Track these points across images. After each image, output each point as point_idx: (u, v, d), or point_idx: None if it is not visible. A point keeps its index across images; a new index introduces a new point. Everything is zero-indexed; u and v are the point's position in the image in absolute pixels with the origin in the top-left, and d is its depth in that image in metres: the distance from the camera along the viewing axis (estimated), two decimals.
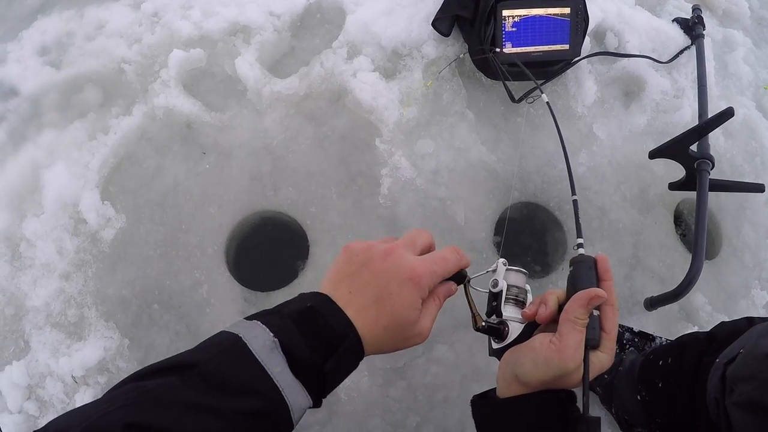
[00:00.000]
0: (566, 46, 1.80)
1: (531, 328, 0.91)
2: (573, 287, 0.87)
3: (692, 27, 2.11)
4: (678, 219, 1.96)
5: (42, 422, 1.52)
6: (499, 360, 0.92)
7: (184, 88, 1.79)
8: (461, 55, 1.83)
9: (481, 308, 0.94)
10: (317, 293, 0.80)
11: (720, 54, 2.28)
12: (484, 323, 0.91)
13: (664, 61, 2.05)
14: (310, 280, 1.67)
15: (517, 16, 1.74)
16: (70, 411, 0.66)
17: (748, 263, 1.93)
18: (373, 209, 1.71)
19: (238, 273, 1.70)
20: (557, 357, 0.80)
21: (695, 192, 1.66)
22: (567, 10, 1.77)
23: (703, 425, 1.07)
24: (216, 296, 1.63)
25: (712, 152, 1.71)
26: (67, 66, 1.86)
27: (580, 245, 0.95)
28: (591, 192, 1.83)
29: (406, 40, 1.84)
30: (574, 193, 1.08)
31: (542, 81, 1.85)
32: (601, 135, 1.89)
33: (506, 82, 1.74)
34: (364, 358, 0.82)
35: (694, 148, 1.68)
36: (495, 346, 0.94)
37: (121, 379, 0.69)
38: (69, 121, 1.78)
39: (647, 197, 1.88)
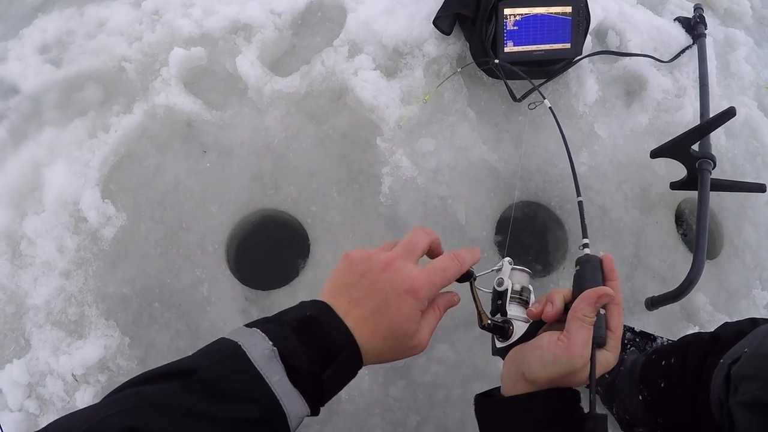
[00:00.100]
0: (568, 45, 1.80)
1: (535, 327, 0.91)
2: (579, 286, 0.88)
3: (694, 26, 2.11)
4: (679, 219, 1.96)
5: (42, 421, 1.52)
6: (503, 359, 0.92)
7: (184, 86, 1.79)
8: (459, 70, 1.83)
9: (486, 306, 0.94)
10: (317, 301, 0.80)
11: (722, 53, 2.28)
12: (489, 321, 0.91)
13: (665, 60, 2.04)
14: (310, 279, 1.67)
15: (519, 14, 1.74)
16: (69, 414, 0.66)
17: (749, 263, 1.93)
18: (374, 208, 1.71)
19: (239, 271, 1.70)
20: (566, 354, 0.80)
21: (696, 191, 1.66)
22: (568, 9, 1.77)
23: (706, 426, 1.07)
24: (216, 295, 1.62)
25: (713, 152, 1.71)
26: (67, 64, 1.86)
27: (585, 245, 0.95)
28: (592, 191, 1.82)
29: (407, 38, 1.84)
30: (579, 194, 1.08)
31: (542, 81, 1.85)
32: (603, 134, 1.89)
33: (507, 81, 1.74)
34: None
35: (695, 147, 1.68)
36: (498, 345, 0.94)
37: (121, 377, 0.69)
38: (69, 119, 1.78)
39: (648, 197, 1.88)
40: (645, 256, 1.81)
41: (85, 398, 1.50)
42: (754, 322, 1.12)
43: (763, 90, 2.28)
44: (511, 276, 0.95)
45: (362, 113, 1.77)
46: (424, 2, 1.88)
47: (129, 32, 1.88)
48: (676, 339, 1.42)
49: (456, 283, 0.96)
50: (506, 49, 1.75)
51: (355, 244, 1.67)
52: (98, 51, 1.86)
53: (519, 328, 0.91)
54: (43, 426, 0.64)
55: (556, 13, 1.77)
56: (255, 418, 0.68)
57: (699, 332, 1.51)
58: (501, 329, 0.91)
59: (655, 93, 1.99)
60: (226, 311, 1.61)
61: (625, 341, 1.60)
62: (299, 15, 1.91)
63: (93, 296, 1.59)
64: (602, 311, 0.85)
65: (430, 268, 0.83)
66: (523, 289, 0.95)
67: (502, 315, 0.93)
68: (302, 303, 0.80)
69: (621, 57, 2.00)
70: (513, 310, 0.93)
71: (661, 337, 1.60)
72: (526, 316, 0.92)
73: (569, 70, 1.90)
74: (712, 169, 1.68)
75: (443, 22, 1.82)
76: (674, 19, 2.17)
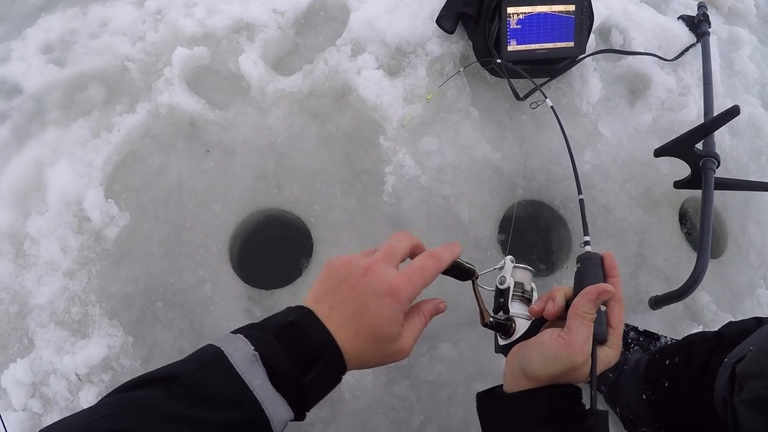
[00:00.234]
0: (571, 44, 1.80)
1: (537, 324, 0.91)
2: (580, 283, 0.88)
3: (698, 24, 2.10)
4: (683, 217, 1.95)
5: (46, 420, 1.52)
6: (505, 356, 0.92)
7: (187, 85, 1.79)
8: (462, 69, 1.83)
9: (488, 305, 0.95)
10: (300, 307, 0.81)
11: (725, 52, 2.27)
12: (491, 319, 0.91)
13: (669, 58, 2.04)
14: (313, 279, 1.66)
15: (522, 13, 1.74)
16: (56, 422, 0.67)
17: (754, 262, 1.92)
18: (378, 207, 1.71)
19: (242, 271, 1.70)
20: (566, 351, 0.80)
21: (700, 190, 1.66)
22: (572, 8, 1.77)
23: (710, 425, 1.06)
24: (220, 294, 1.62)
25: (717, 150, 1.70)
26: (70, 64, 1.86)
27: (587, 243, 0.95)
28: (596, 190, 1.82)
29: (410, 37, 1.84)
30: (580, 192, 1.08)
31: (545, 80, 1.85)
32: (606, 133, 1.89)
33: (511, 80, 1.74)
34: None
35: (699, 146, 1.67)
36: (501, 342, 0.94)
37: (124, 376, 0.70)
38: (73, 119, 1.78)
39: (652, 195, 1.87)
40: (649, 255, 1.81)
41: (88, 398, 1.50)
42: (759, 321, 1.12)
43: None
44: (513, 274, 0.95)
45: (365, 112, 1.77)
46: (427, 1, 1.88)
47: (132, 32, 1.89)
48: (680, 338, 1.41)
49: (458, 283, 0.97)
50: (509, 48, 1.75)
51: (358, 244, 1.67)
52: (101, 51, 1.86)
53: (521, 326, 0.92)
54: None
55: (559, 12, 1.76)
56: (237, 422, 0.69)
57: (703, 331, 1.50)
58: (503, 327, 0.92)
59: (659, 91, 1.99)
60: (230, 310, 1.61)
61: (629, 340, 1.59)
62: (302, 14, 1.91)
63: (96, 296, 1.59)
64: (603, 308, 0.85)
65: (408, 269, 0.83)
66: (525, 286, 0.95)
67: (504, 313, 0.94)
68: (286, 309, 0.81)
69: (624, 55, 2.00)
70: (515, 308, 0.93)
71: (665, 337, 1.60)
72: (528, 314, 0.92)
73: (573, 68, 1.90)
74: (716, 167, 1.67)
75: (446, 20, 1.82)
76: (678, 18, 2.17)
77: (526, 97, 1.78)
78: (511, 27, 1.74)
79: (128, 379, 0.72)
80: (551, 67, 1.85)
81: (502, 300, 0.94)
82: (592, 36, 1.89)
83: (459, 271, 0.94)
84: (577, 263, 0.92)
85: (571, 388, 0.85)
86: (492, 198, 1.77)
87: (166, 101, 1.74)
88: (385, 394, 1.59)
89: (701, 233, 1.58)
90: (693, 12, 2.19)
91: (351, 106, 1.79)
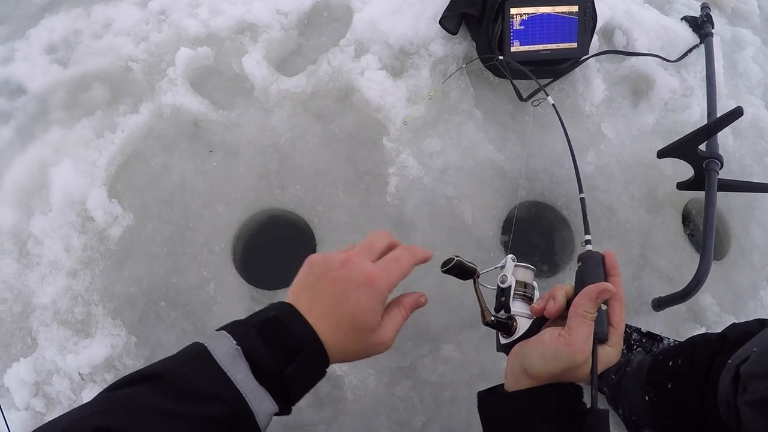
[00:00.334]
0: (574, 45, 1.80)
1: (539, 323, 0.91)
2: (581, 282, 0.88)
3: (701, 25, 2.10)
4: (686, 219, 1.95)
5: (48, 419, 1.52)
6: (507, 355, 0.92)
7: (191, 86, 1.79)
8: (464, 65, 1.83)
9: (490, 304, 0.95)
10: (282, 303, 0.82)
11: (729, 53, 2.27)
12: (493, 318, 0.92)
13: (672, 59, 2.04)
14: None
15: (525, 14, 1.74)
16: (46, 422, 0.69)
17: (757, 264, 1.92)
18: (381, 208, 1.71)
19: (245, 271, 1.70)
20: (566, 350, 0.80)
21: (704, 192, 1.66)
22: (575, 8, 1.76)
23: (713, 426, 1.06)
24: (223, 294, 1.63)
25: (720, 152, 1.70)
26: (74, 64, 1.87)
27: (588, 241, 0.95)
28: (599, 191, 1.82)
29: (413, 38, 1.84)
30: (581, 190, 1.08)
31: (548, 80, 1.85)
32: (609, 134, 1.88)
33: (514, 80, 1.74)
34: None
35: (702, 147, 1.67)
36: (503, 341, 0.94)
37: None
38: (76, 119, 1.78)
39: (655, 197, 1.87)
40: (652, 256, 1.81)
41: (91, 397, 1.50)
42: (762, 323, 1.12)
43: None
44: (515, 273, 0.96)
45: (369, 113, 1.77)
46: (430, 2, 1.88)
47: (136, 32, 1.89)
48: (682, 340, 1.41)
49: (461, 284, 0.97)
50: (513, 49, 1.75)
51: None
52: (105, 51, 1.86)
53: (522, 325, 0.92)
54: None
55: (562, 13, 1.76)
56: (222, 416, 0.70)
57: (706, 333, 1.51)
58: (504, 326, 0.92)
59: (662, 92, 1.99)
60: (233, 311, 1.61)
61: (632, 342, 1.59)
62: (305, 15, 1.91)
63: (100, 295, 1.59)
64: (604, 307, 0.85)
65: (384, 260, 0.85)
66: (527, 285, 0.95)
67: (505, 311, 0.94)
68: (269, 305, 0.82)
69: (628, 56, 2.00)
70: (516, 307, 0.93)
71: (668, 338, 1.60)
72: (529, 313, 0.93)
73: (576, 69, 1.90)
74: (720, 169, 1.67)
75: (449, 21, 1.82)
76: (681, 19, 2.16)
77: (529, 98, 1.78)
78: (514, 28, 1.74)
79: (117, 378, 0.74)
80: (554, 68, 1.85)
81: (503, 299, 0.95)
82: (595, 37, 1.88)
83: (460, 270, 0.94)
84: (578, 262, 0.92)
85: (572, 386, 0.85)
86: (495, 199, 1.77)
87: (170, 101, 1.75)
88: (387, 395, 1.59)
89: (704, 235, 1.58)
90: (696, 13, 2.19)
91: (354, 107, 1.79)
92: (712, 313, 1.78)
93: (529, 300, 0.95)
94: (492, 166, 1.78)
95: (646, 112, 1.96)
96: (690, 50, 2.06)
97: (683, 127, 1.94)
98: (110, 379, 1.52)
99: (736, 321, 1.37)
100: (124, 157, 1.71)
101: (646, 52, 1.99)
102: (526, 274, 0.96)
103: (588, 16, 1.78)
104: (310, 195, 1.72)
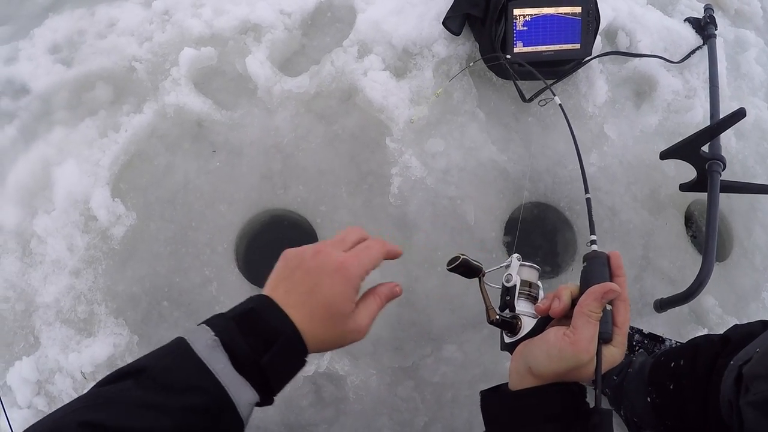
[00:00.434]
0: (577, 46, 1.80)
1: (543, 322, 0.91)
2: (586, 282, 0.88)
3: (704, 27, 2.10)
4: (689, 220, 1.95)
5: None
6: (511, 354, 0.92)
7: (194, 86, 1.80)
8: (471, 64, 1.83)
9: (495, 303, 0.95)
10: (259, 295, 0.84)
11: (732, 54, 2.27)
12: (497, 317, 0.92)
13: (675, 61, 2.04)
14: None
15: (528, 15, 1.74)
16: (32, 424, 0.70)
17: (759, 265, 1.92)
18: (383, 208, 1.71)
19: (248, 271, 1.70)
20: (571, 349, 0.81)
21: (706, 193, 1.66)
22: (578, 9, 1.76)
23: (715, 428, 1.06)
24: (225, 294, 1.63)
25: (723, 153, 1.70)
26: (78, 64, 1.87)
27: (593, 242, 0.96)
28: (602, 192, 1.82)
29: (416, 38, 1.84)
30: (587, 191, 1.08)
31: (553, 81, 1.85)
32: (612, 135, 1.88)
33: (517, 81, 1.74)
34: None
35: (705, 149, 1.67)
36: (507, 340, 0.94)
37: None
38: (80, 118, 1.79)
39: (658, 198, 1.87)
40: (654, 257, 1.81)
41: None
42: (765, 324, 1.12)
43: None
44: (520, 272, 0.96)
45: (372, 113, 1.77)
46: (433, 2, 1.88)
47: (139, 32, 1.89)
48: (685, 341, 1.41)
49: (466, 280, 0.97)
50: (516, 50, 1.75)
51: None
52: (109, 51, 1.87)
53: (527, 324, 0.92)
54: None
55: (565, 14, 1.76)
56: (203, 406, 0.71)
57: (709, 334, 1.50)
58: (509, 325, 0.92)
59: (665, 94, 1.99)
60: None
61: (634, 343, 1.59)
62: (309, 15, 1.91)
63: (102, 294, 1.60)
64: (609, 307, 0.85)
65: (354, 249, 0.87)
66: (532, 285, 0.96)
67: (510, 310, 0.94)
68: (248, 298, 0.84)
69: (631, 58, 2.00)
70: (521, 306, 0.93)
71: (670, 340, 1.60)
72: (534, 312, 0.93)
73: (579, 70, 1.90)
74: (722, 170, 1.67)
75: (453, 22, 1.82)
76: (684, 20, 2.16)
77: (532, 98, 1.78)
78: (518, 29, 1.74)
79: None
80: (557, 69, 1.85)
81: (508, 298, 0.95)
82: (598, 38, 1.88)
83: (466, 268, 0.94)
84: (583, 262, 0.93)
85: (576, 386, 0.85)
86: (498, 200, 1.77)
87: (173, 101, 1.75)
88: (389, 395, 1.59)
89: (707, 236, 1.58)
90: (699, 14, 2.19)
91: (357, 107, 1.79)
92: (715, 314, 1.78)
93: (533, 299, 0.95)
94: (495, 167, 1.78)
95: (648, 113, 1.96)
96: (693, 52, 2.06)
97: (686, 128, 1.93)
98: None
99: (738, 322, 1.37)
100: (128, 156, 1.71)
101: (649, 53, 1.99)
102: (531, 274, 0.96)
103: (591, 17, 1.78)
104: (312, 195, 1.72)
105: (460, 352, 1.64)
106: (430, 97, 1.78)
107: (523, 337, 0.91)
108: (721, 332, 1.21)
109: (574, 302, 0.87)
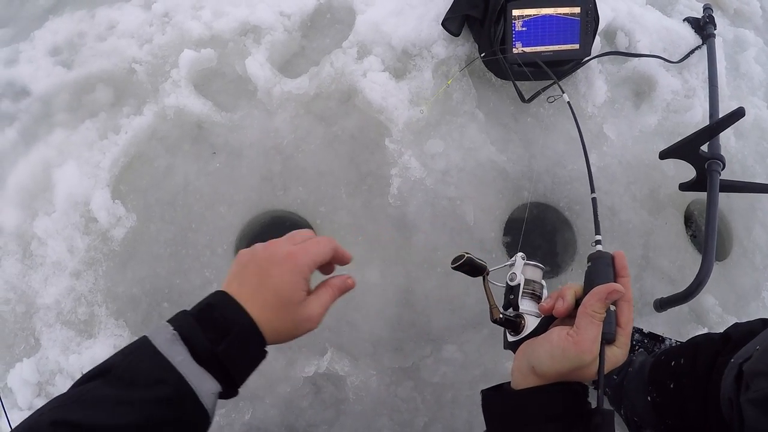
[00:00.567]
0: (576, 46, 1.80)
1: (547, 321, 0.91)
2: (590, 282, 0.88)
3: (703, 26, 2.10)
4: (688, 220, 1.95)
5: None
6: (514, 353, 0.92)
7: (194, 88, 1.80)
8: (481, 56, 1.83)
9: (498, 301, 0.95)
10: (216, 291, 0.87)
11: (731, 54, 2.27)
12: (501, 315, 0.92)
13: (674, 60, 2.04)
14: (319, 278, 1.67)
15: (527, 15, 1.74)
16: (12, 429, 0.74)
17: (759, 265, 1.92)
18: (383, 209, 1.71)
19: None
20: (574, 349, 0.81)
21: (706, 193, 1.66)
22: (577, 10, 1.77)
23: (716, 426, 1.06)
24: None
25: (723, 153, 1.70)
26: (78, 66, 1.87)
27: (598, 242, 0.96)
28: (601, 192, 1.82)
29: (416, 39, 1.84)
30: (593, 190, 1.08)
31: (551, 82, 1.85)
32: (612, 135, 1.89)
33: (516, 82, 1.74)
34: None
35: (704, 148, 1.67)
36: (510, 339, 0.94)
37: None
38: (80, 120, 1.79)
39: (657, 198, 1.87)
40: (654, 257, 1.81)
41: None
42: (765, 323, 1.12)
43: None
44: (524, 271, 0.96)
45: (371, 114, 1.77)
46: (432, 3, 1.89)
47: (139, 34, 1.90)
48: (684, 340, 1.41)
49: (470, 277, 0.97)
50: (515, 50, 1.75)
51: (363, 245, 1.68)
52: (109, 53, 1.87)
53: (531, 323, 0.92)
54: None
55: (564, 14, 1.76)
56: (166, 397, 0.74)
57: (709, 333, 1.50)
58: (513, 323, 0.92)
59: (665, 94, 1.99)
60: None
61: (634, 342, 1.59)
62: (308, 17, 1.91)
63: (103, 296, 1.60)
64: (612, 308, 0.85)
65: (303, 242, 0.92)
66: (536, 284, 0.96)
67: (514, 309, 0.94)
68: (207, 295, 0.87)
69: (630, 58, 2.00)
70: (525, 305, 0.93)
71: (670, 339, 1.60)
72: (537, 311, 0.93)
73: (578, 70, 1.90)
74: (722, 170, 1.67)
75: (452, 23, 1.82)
76: (683, 20, 2.16)
77: (531, 99, 1.78)
78: (517, 29, 1.74)
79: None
80: (556, 69, 1.85)
81: (512, 297, 0.95)
82: (597, 38, 1.88)
83: (470, 267, 0.95)
84: (588, 262, 0.93)
85: (579, 386, 0.85)
86: (497, 200, 1.77)
87: (173, 103, 1.75)
88: (389, 396, 1.59)
89: (706, 235, 1.58)
90: (698, 14, 2.19)
91: (357, 109, 1.79)
92: (714, 314, 1.78)
93: (537, 298, 0.95)
94: (494, 167, 1.78)
95: (648, 113, 1.96)
96: (692, 51, 2.07)
97: (685, 128, 1.93)
98: None
99: (738, 322, 1.37)
100: (128, 158, 1.72)
101: (649, 53, 1.99)
102: (535, 273, 0.97)
103: (590, 18, 1.78)
104: (312, 196, 1.73)
105: (460, 353, 1.64)
106: (428, 101, 1.78)
107: (526, 336, 0.91)
108: (721, 331, 1.21)
109: (577, 302, 0.87)
